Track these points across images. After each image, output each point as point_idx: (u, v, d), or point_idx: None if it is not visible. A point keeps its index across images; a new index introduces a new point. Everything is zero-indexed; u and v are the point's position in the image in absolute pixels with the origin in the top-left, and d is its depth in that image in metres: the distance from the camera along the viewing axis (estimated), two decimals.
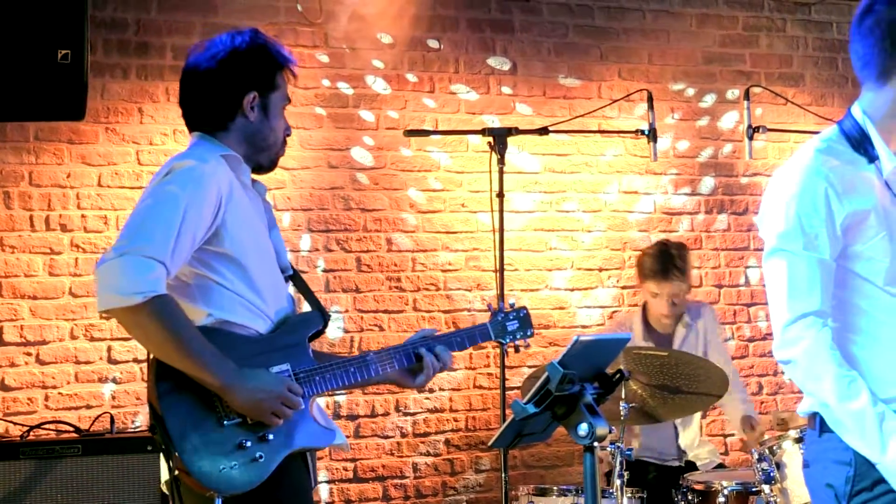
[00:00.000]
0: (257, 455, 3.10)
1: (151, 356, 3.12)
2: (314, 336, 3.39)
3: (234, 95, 3.31)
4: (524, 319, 3.73)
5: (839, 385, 2.79)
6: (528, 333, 3.74)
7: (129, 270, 2.98)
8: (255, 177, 3.43)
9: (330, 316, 3.49)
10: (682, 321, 5.67)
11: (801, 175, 2.91)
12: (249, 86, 3.32)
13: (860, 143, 2.95)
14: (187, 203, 3.07)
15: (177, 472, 3.08)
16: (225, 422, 3.10)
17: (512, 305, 3.77)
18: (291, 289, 3.49)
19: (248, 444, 3.10)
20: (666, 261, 5.54)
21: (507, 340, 3.71)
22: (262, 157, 3.39)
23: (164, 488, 3.26)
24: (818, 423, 2.93)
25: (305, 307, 3.46)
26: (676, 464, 5.61)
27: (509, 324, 3.71)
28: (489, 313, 3.73)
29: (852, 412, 2.78)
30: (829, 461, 2.89)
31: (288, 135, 3.46)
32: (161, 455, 3.15)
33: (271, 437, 3.14)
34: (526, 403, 2.89)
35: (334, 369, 3.33)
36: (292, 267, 3.50)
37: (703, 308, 5.80)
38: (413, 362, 3.48)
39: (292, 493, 3.20)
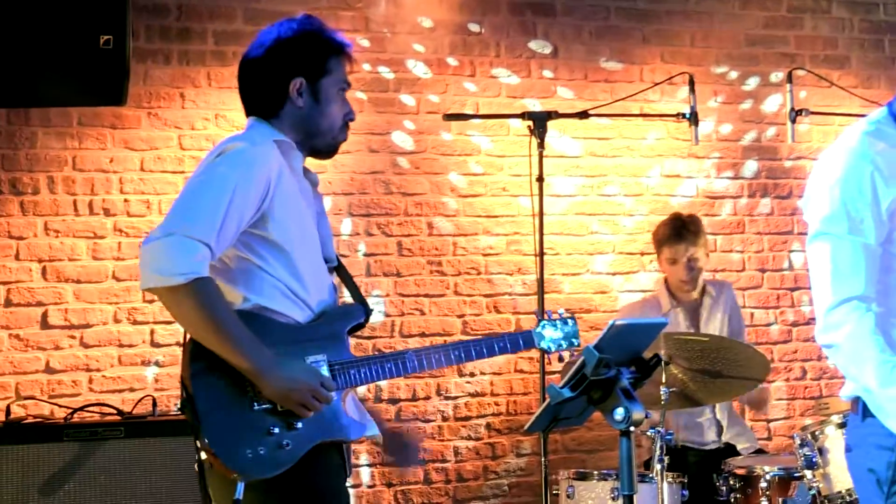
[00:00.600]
0: (284, 442, 3.10)
1: (188, 337, 3.14)
2: (354, 329, 3.38)
3: (280, 82, 3.32)
4: (571, 329, 3.70)
5: (882, 370, 2.77)
6: (574, 344, 3.70)
7: (174, 251, 2.99)
8: (308, 166, 3.43)
9: (371, 310, 3.46)
10: (707, 292, 5.69)
11: (847, 158, 2.88)
12: (295, 72, 3.32)
13: None
14: (236, 185, 3.08)
15: (203, 453, 3.09)
16: (255, 406, 3.11)
17: (561, 314, 3.74)
18: (336, 281, 3.49)
19: (276, 430, 3.10)
20: (677, 225, 5.63)
21: (552, 350, 3.68)
22: (318, 142, 3.39)
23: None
24: (861, 408, 2.90)
25: (348, 298, 3.46)
26: (716, 446, 5.58)
27: (555, 332, 3.69)
28: (536, 319, 3.71)
29: (894, 397, 2.76)
30: (872, 446, 2.87)
31: (351, 119, 3.44)
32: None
33: (300, 426, 3.14)
34: (562, 388, 2.89)
35: (371, 364, 3.33)
36: (338, 259, 3.50)
37: (725, 286, 5.82)
38: (452, 363, 3.49)
39: (322, 478, 3.19)
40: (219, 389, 3.09)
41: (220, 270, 3.17)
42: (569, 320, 3.72)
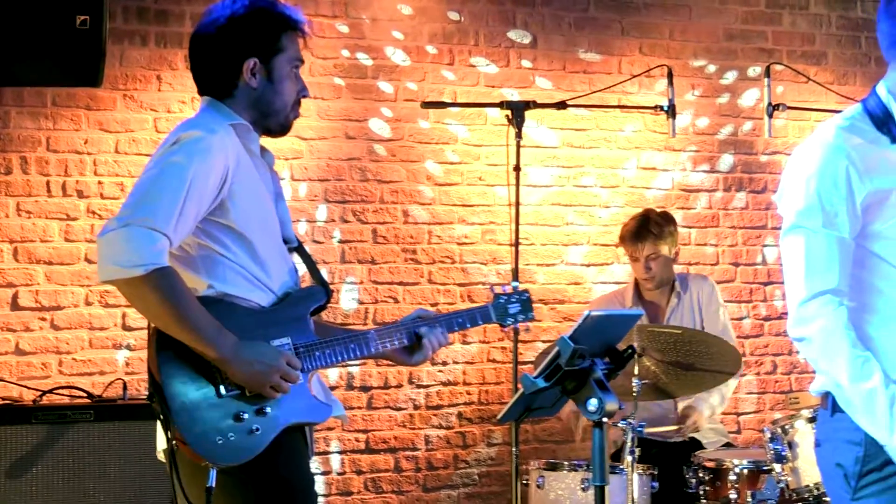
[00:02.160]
0: (254, 427, 3.09)
1: (152, 326, 3.11)
2: (316, 311, 3.35)
3: (233, 62, 3.27)
4: (525, 302, 3.72)
5: (852, 365, 2.77)
6: (529, 316, 3.72)
7: (132, 242, 2.96)
8: (265, 145, 3.39)
9: (332, 291, 3.45)
10: (675, 291, 5.68)
11: (823, 152, 2.88)
12: (248, 52, 3.27)
13: (884, 123, 2.92)
14: (193, 174, 3.04)
15: (174, 442, 3.07)
16: (223, 393, 3.09)
17: (515, 288, 3.77)
18: (298, 262, 3.47)
19: (246, 416, 3.09)
20: (641, 223, 5.61)
21: (508, 323, 3.69)
22: (271, 121, 3.34)
23: (160, 456, 3.25)
24: (830, 403, 2.91)
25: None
26: (681, 439, 5.59)
27: (511, 306, 3.69)
28: (491, 295, 3.72)
29: (863, 392, 2.77)
30: (840, 441, 2.88)
31: (304, 96, 3.39)
32: (158, 424, 3.13)
33: (269, 410, 3.13)
34: (536, 378, 2.89)
35: (334, 345, 3.32)
36: (297, 239, 3.48)
37: (702, 281, 5.80)
38: (413, 341, 3.47)
39: (289, 464, 3.18)
40: (187, 378, 3.07)
41: (181, 258, 3.15)
42: (523, 294, 3.74)
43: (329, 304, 3.42)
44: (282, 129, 3.40)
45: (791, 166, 2.98)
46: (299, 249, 3.49)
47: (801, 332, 2.87)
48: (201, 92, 3.35)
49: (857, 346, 2.79)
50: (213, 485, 3.04)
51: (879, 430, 2.76)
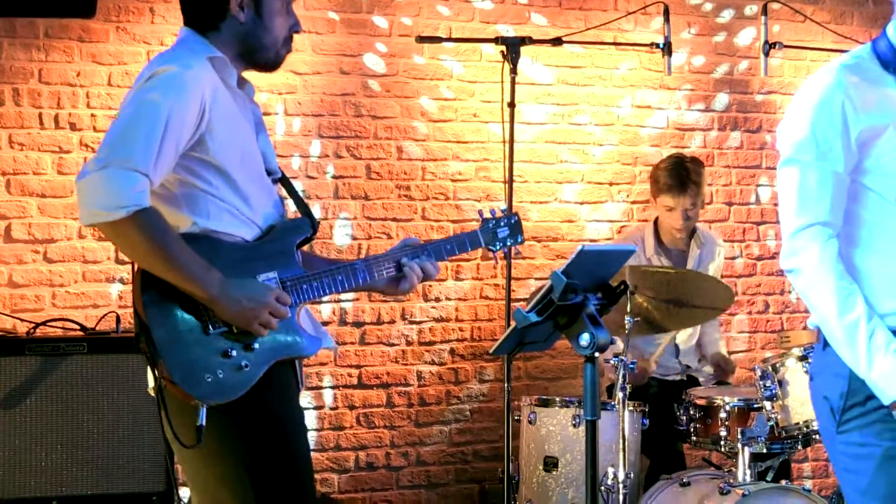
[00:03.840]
0: (243, 364, 3.08)
1: (137, 266, 3.09)
2: (302, 243, 3.33)
3: None
4: (515, 226, 3.68)
5: (838, 297, 2.80)
6: (519, 240, 3.68)
7: (112, 184, 2.92)
8: (247, 76, 3.34)
9: (318, 222, 3.42)
10: (696, 239, 5.66)
11: (822, 88, 2.90)
12: None
13: (891, 64, 2.92)
14: (170, 111, 2.99)
15: (162, 381, 3.06)
16: (210, 330, 3.07)
17: (504, 211, 3.72)
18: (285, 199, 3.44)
19: (234, 352, 3.08)
20: (683, 174, 5.51)
21: (498, 248, 3.65)
22: (260, 56, 3.28)
23: (151, 393, 3.24)
24: (822, 336, 2.94)
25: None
26: (678, 377, 5.64)
27: (500, 230, 3.65)
28: (479, 220, 3.69)
29: (845, 325, 2.80)
30: (829, 374, 2.91)
31: (296, 31, 3.34)
32: (147, 363, 3.12)
33: (257, 345, 3.11)
34: (528, 312, 2.90)
35: (322, 277, 3.29)
36: (281, 170, 3.44)
37: (719, 242, 5.81)
38: (400, 271, 3.45)
39: (279, 398, 3.18)
40: (173, 316, 3.05)
41: (163, 196, 3.10)
42: (512, 217, 3.70)
43: (322, 240, 3.40)
44: (273, 65, 3.35)
45: (793, 102, 3.00)
46: (283, 181, 3.46)
47: (791, 264, 2.89)
48: (186, 22, 3.28)
49: (845, 279, 2.81)
50: (204, 423, 3.03)
51: (858, 363, 2.78)
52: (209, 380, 3.04)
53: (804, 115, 2.90)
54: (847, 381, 2.85)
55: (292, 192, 3.46)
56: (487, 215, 3.68)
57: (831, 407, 2.89)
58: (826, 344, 2.90)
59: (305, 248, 3.38)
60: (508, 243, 3.66)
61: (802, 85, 3.03)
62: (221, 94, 3.15)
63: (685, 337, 5.67)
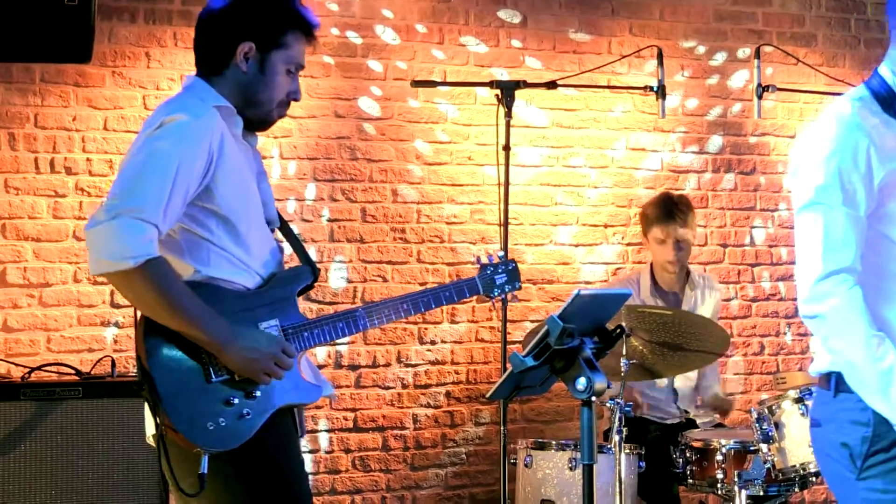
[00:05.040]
0: (245, 412, 3.09)
1: (139, 314, 3.10)
2: (303, 290, 3.36)
3: (229, 42, 3.24)
4: (512, 272, 3.70)
5: (868, 345, 2.76)
6: (517, 286, 3.71)
7: (122, 234, 2.94)
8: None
9: (319, 270, 3.44)
10: (691, 282, 5.68)
11: (842, 129, 2.86)
12: (246, 35, 3.23)
13: (889, 103, 2.91)
14: (180, 161, 3.02)
15: (164, 429, 3.06)
16: (213, 378, 3.09)
17: (501, 257, 3.73)
18: (284, 247, 3.45)
19: (236, 400, 3.09)
20: (669, 204, 5.60)
21: (496, 294, 3.68)
22: (251, 112, 3.29)
23: (150, 441, 3.23)
24: (833, 383, 2.91)
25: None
26: (677, 421, 5.63)
27: (498, 277, 3.68)
28: (477, 266, 3.70)
29: (879, 373, 2.75)
30: (845, 421, 2.87)
31: (294, 99, 3.35)
32: (147, 410, 3.12)
33: (258, 393, 3.12)
34: (525, 356, 2.90)
35: (323, 325, 3.32)
36: (281, 219, 3.46)
37: (715, 286, 5.83)
38: (402, 318, 3.48)
39: (280, 446, 3.19)
40: (176, 364, 3.06)
41: (166, 243, 3.12)
42: (510, 263, 3.72)
43: (317, 284, 3.41)
44: (261, 124, 3.36)
45: (806, 142, 2.94)
46: (284, 228, 3.47)
47: (814, 310, 2.84)
48: (196, 65, 3.33)
49: (873, 327, 2.78)
50: (206, 471, 3.03)
51: (893, 411, 2.76)
52: (211, 428, 3.04)
53: (828, 157, 2.86)
54: (871, 428, 2.82)
55: (293, 239, 3.48)
56: (485, 261, 3.69)
57: (851, 453, 2.85)
58: (838, 390, 2.88)
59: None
60: (506, 289, 3.68)
61: (813, 125, 2.99)
62: (228, 144, 3.17)
63: (683, 381, 5.66)
